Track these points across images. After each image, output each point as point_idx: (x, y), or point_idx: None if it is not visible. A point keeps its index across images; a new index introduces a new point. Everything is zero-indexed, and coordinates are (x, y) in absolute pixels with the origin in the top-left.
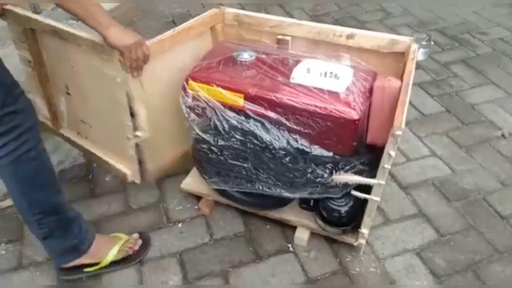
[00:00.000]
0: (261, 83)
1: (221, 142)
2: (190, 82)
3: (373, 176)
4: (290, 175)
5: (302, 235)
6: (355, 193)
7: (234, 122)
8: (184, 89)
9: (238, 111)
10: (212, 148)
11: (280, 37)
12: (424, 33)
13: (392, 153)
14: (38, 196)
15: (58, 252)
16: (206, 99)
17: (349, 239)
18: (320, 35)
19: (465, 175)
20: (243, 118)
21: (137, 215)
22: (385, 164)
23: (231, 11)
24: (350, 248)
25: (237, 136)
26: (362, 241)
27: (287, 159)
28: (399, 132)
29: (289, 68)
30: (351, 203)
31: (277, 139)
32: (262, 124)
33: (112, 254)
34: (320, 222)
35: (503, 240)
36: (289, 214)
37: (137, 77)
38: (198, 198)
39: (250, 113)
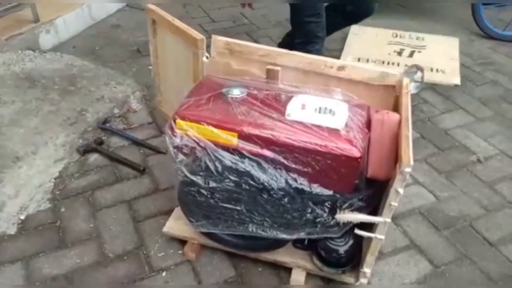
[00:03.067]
0: (255, 120)
1: (212, 184)
2: (178, 121)
3: (371, 211)
4: (288, 216)
5: (298, 277)
6: (359, 232)
7: (228, 163)
8: (171, 128)
9: (232, 150)
10: (202, 190)
11: (270, 67)
12: (414, 67)
13: (401, 190)
14: None
15: None
16: (197, 138)
17: (348, 278)
18: (311, 65)
19: (449, 202)
20: (237, 158)
21: (115, 264)
22: (392, 201)
23: (222, 39)
24: (348, 287)
25: (231, 177)
26: (363, 280)
27: (286, 199)
28: (408, 169)
29: (282, 104)
30: (350, 242)
31: (275, 179)
32: (259, 164)
33: None
34: (318, 262)
35: (495, 268)
36: (284, 255)
37: None
38: (181, 241)
39: (245, 153)
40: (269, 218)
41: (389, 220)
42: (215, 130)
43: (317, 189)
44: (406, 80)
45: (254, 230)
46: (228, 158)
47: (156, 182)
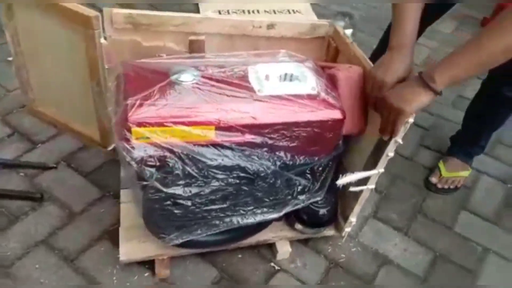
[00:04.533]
0: (228, 106)
1: (194, 190)
2: (134, 129)
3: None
4: (279, 196)
5: (285, 248)
6: (355, 188)
7: (212, 161)
8: (125, 140)
9: (212, 146)
10: (180, 201)
11: (193, 38)
12: (339, 14)
13: (400, 140)
14: None
15: None
16: (167, 144)
17: (329, 232)
18: (238, 29)
19: None
20: (220, 152)
21: None
22: (390, 152)
23: (120, 11)
24: (324, 240)
25: (219, 176)
26: (348, 229)
27: (279, 181)
28: (411, 120)
29: (243, 79)
30: (332, 199)
31: (265, 163)
32: (244, 152)
33: None
34: (299, 227)
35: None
36: (264, 234)
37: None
38: (141, 263)
39: (227, 144)
40: (256, 204)
41: (382, 170)
42: (187, 128)
43: (304, 160)
44: (340, 29)
45: (240, 221)
46: (210, 156)
47: (65, 206)
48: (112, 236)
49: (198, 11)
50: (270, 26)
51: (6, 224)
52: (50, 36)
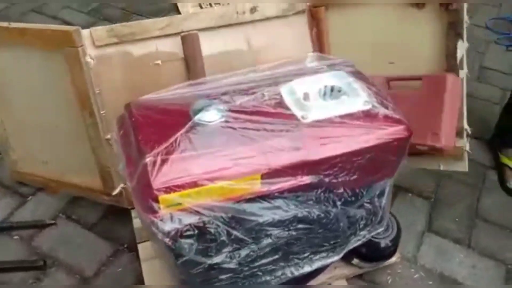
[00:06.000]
0: (271, 144)
1: (244, 253)
2: (162, 197)
3: None
4: (342, 237)
5: None
6: None
7: (262, 218)
8: (152, 212)
9: (260, 198)
10: (226, 266)
11: (184, 34)
12: None
13: None
14: None
15: None
16: (204, 207)
17: (390, 260)
18: (224, 18)
19: None
20: (269, 204)
21: None
22: None
23: (100, 28)
24: (381, 271)
25: (273, 232)
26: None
27: (342, 223)
28: None
29: (280, 105)
30: (394, 225)
31: (326, 206)
32: (298, 199)
33: None
34: (357, 262)
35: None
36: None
37: None
38: None
39: (277, 194)
40: (313, 249)
41: None
42: (226, 183)
43: (365, 190)
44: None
45: (294, 272)
46: (259, 212)
47: (75, 271)
48: None
49: (177, 11)
50: (253, 9)
51: None
52: (21, 73)
